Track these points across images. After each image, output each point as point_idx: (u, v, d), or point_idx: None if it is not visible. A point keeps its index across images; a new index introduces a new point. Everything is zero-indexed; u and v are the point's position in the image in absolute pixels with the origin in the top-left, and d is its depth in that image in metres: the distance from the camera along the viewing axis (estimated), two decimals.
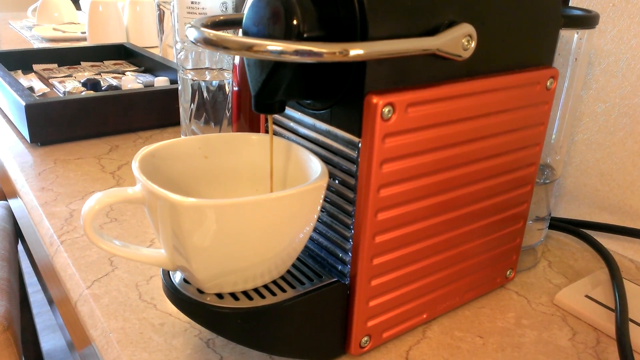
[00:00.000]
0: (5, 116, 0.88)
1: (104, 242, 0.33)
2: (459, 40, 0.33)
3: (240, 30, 0.35)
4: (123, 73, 1.07)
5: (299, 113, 0.38)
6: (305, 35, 0.32)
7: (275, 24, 0.32)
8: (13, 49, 1.06)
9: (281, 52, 0.28)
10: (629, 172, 0.54)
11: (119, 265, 0.49)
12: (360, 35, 0.31)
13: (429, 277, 0.41)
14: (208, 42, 0.30)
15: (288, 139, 0.40)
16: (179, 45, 0.72)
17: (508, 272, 0.48)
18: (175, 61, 1.00)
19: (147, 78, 1.01)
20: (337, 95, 0.34)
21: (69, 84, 0.95)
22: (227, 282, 0.34)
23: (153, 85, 0.97)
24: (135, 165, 0.33)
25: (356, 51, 0.29)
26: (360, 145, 0.33)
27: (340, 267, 0.38)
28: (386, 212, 0.35)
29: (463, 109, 0.36)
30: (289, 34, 0.32)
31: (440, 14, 0.33)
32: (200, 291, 0.35)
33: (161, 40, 1.24)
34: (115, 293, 0.45)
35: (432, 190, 0.37)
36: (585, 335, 0.43)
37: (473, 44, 0.34)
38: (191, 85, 0.73)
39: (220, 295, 0.34)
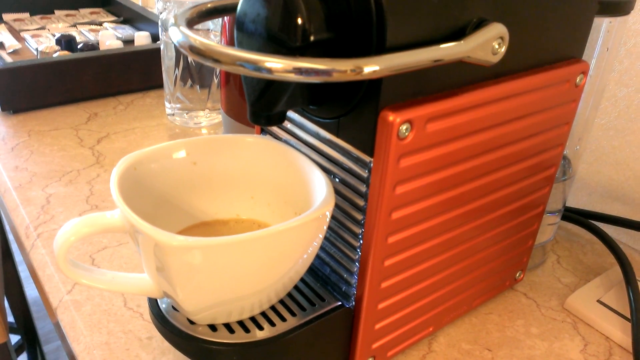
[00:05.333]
0: None
1: (83, 274, 0.29)
2: (490, 44, 0.29)
3: (231, 21, 0.29)
4: (100, 24, 0.99)
5: (301, 117, 0.34)
6: (311, 38, 0.27)
7: (275, 21, 0.27)
8: None
9: (283, 71, 0.24)
10: None
11: (101, 264, 0.45)
12: (377, 38, 0.26)
13: (438, 292, 0.38)
14: (194, 51, 0.25)
15: (286, 142, 0.35)
16: (160, 5, 0.65)
17: (517, 274, 0.45)
18: (156, 12, 0.92)
19: (126, 31, 0.94)
20: (348, 106, 0.29)
21: (43, 41, 0.87)
22: (220, 313, 0.30)
23: (133, 41, 0.90)
24: (114, 184, 0.29)
25: (371, 67, 0.24)
26: (372, 165, 0.29)
27: (344, 288, 0.34)
28: (397, 235, 0.32)
29: (486, 117, 0.32)
30: (292, 35, 0.27)
31: (469, 10, 0.28)
32: (192, 321, 0.31)
33: None
34: (97, 299, 0.42)
35: (447, 205, 0.33)
36: (597, 347, 0.41)
37: (504, 48, 0.29)
38: (175, 48, 0.67)
39: (213, 327, 0.31)
